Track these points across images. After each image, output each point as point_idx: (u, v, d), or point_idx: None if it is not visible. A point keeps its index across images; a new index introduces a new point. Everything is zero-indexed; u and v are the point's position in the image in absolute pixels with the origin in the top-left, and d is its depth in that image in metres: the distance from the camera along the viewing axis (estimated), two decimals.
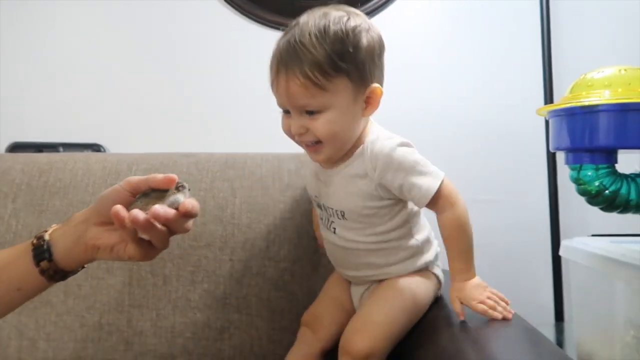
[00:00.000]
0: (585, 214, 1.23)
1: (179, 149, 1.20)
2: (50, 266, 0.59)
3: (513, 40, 1.28)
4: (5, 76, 1.31)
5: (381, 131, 0.77)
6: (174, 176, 0.57)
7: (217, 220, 0.99)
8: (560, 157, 0.97)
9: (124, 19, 1.31)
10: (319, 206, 0.83)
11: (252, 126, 1.29)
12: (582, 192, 0.72)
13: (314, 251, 0.98)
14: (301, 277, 0.97)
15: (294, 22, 0.72)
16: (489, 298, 0.71)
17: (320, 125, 0.71)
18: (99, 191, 1.01)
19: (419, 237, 0.80)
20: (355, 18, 0.71)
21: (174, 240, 0.96)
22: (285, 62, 0.69)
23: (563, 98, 0.73)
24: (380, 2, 1.29)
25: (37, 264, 0.59)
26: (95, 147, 1.26)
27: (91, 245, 0.59)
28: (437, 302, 0.84)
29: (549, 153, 1.25)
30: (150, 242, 0.57)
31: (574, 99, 0.70)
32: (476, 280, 0.73)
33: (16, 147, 1.26)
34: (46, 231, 0.61)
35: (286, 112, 0.74)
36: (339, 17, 0.70)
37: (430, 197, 0.72)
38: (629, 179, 0.70)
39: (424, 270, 0.82)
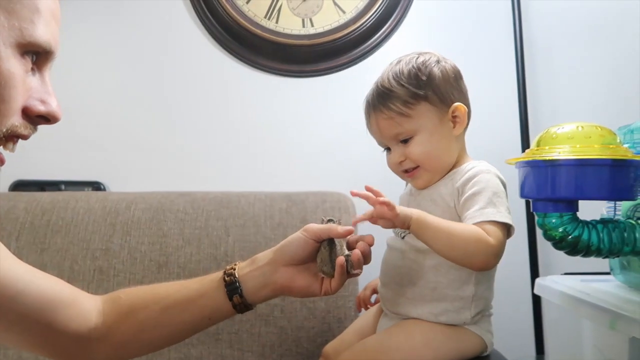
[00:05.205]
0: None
1: (176, 186, 1.25)
2: (241, 301, 0.70)
3: (492, 90, 1.34)
4: None
5: (485, 163, 0.82)
6: (352, 229, 0.70)
7: (212, 258, 1.04)
8: None
9: (123, 62, 1.37)
10: None
11: (245, 165, 1.35)
12: (548, 238, 0.77)
13: None
14: (290, 313, 1.02)
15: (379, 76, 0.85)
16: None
17: (414, 148, 0.80)
18: (98, 229, 1.06)
19: (478, 291, 0.78)
20: (423, 55, 0.82)
21: (167, 278, 1.01)
22: (373, 104, 0.82)
23: (529, 151, 0.78)
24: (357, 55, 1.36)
25: (230, 298, 0.69)
26: (96, 185, 1.30)
27: (283, 286, 0.71)
28: None
29: None
30: (342, 277, 0.70)
31: (538, 152, 0.75)
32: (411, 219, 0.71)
33: (19, 185, 1.29)
34: (233, 269, 0.71)
35: (387, 149, 0.84)
36: (409, 58, 0.82)
37: (482, 219, 0.72)
38: (590, 225, 0.75)
39: (463, 328, 0.79)
